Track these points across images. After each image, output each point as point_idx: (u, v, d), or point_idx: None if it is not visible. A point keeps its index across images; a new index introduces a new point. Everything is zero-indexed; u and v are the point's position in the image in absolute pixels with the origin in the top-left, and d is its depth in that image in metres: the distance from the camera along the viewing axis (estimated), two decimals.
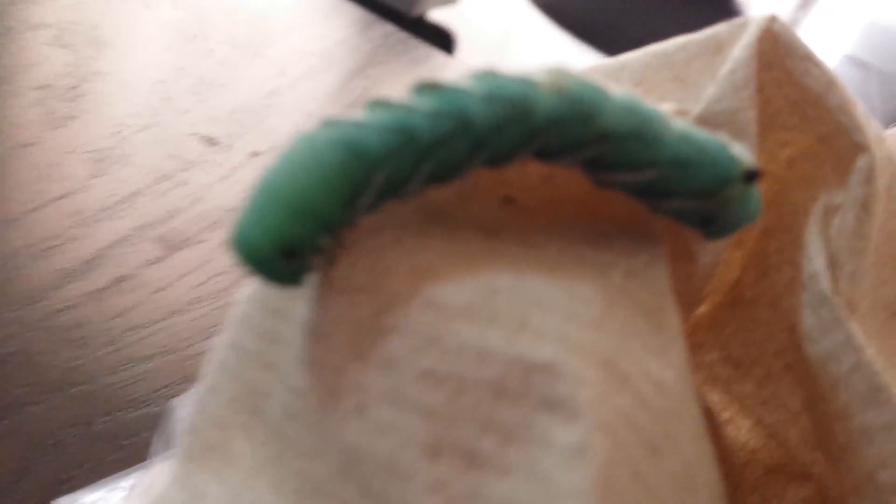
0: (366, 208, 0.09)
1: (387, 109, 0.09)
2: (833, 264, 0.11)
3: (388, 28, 0.34)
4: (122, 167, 0.23)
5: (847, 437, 0.11)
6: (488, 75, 0.09)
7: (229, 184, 0.24)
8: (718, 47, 0.12)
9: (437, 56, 0.34)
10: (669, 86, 0.12)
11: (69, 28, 0.29)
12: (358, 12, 0.35)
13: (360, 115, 0.09)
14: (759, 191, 0.10)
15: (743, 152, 0.09)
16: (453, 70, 0.33)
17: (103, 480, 0.14)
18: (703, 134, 0.09)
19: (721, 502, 0.11)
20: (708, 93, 0.11)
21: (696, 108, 0.11)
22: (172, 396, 0.17)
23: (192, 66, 0.29)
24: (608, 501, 0.08)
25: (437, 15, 0.52)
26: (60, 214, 0.21)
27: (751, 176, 0.09)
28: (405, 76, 0.32)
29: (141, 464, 0.14)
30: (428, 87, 0.09)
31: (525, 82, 0.09)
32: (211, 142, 0.26)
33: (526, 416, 0.08)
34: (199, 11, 0.32)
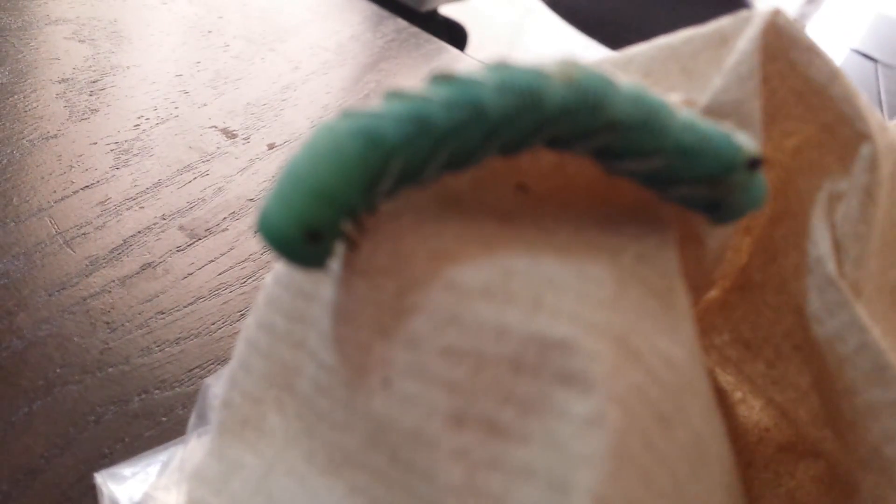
0: (385, 194, 0.09)
1: (403, 99, 0.09)
2: (838, 249, 0.12)
3: (400, 23, 0.35)
4: (145, 158, 0.24)
5: (854, 414, 0.12)
6: (501, 66, 0.09)
7: (248, 175, 0.25)
8: (724, 40, 0.12)
9: (448, 51, 0.34)
10: (677, 77, 0.12)
11: (88, 23, 0.30)
12: (370, 8, 0.36)
13: (377, 105, 0.09)
14: (765, 178, 0.11)
15: (747, 141, 0.10)
16: (464, 64, 0.34)
17: (141, 454, 0.15)
18: (707, 123, 0.10)
19: (731, 474, 0.11)
20: (714, 84, 0.11)
21: (703, 98, 0.12)
22: (203, 376, 0.17)
23: (209, 61, 0.30)
24: (621, 467, 0.09)
25: (447, 10, 0.52)
26: (87, 204, 0.22)
27: (754, 163, 0.10)
28: (417, 70, 0.33)
29: (176, 439, 0.15)
30: (443, 78, 0.09)
31: (537, 73, 0.09)
32: (229, 134, 0.26)
33: (543, 389, 0.09)
34: (215, 6, 0.33)
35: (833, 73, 0.12)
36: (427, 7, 0.48)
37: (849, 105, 0.12)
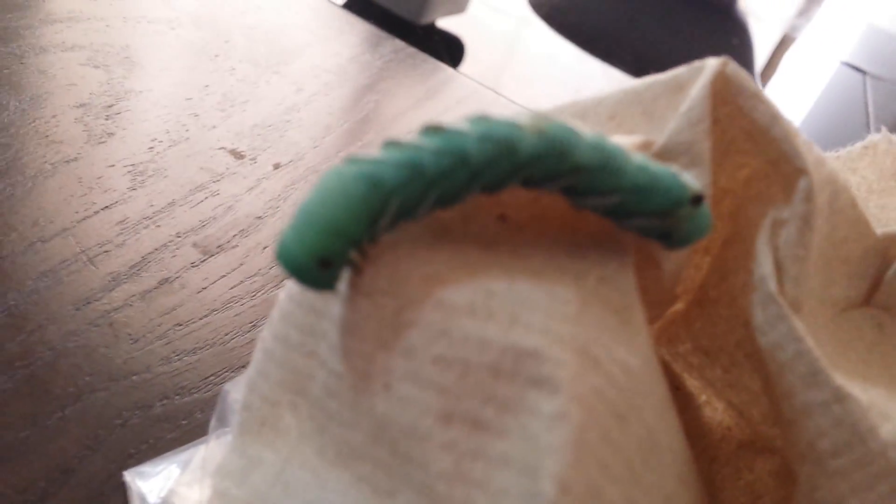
0: (384, 228, 0.11)
1: (399, 148, 0.11)
2: (779, 269, 0.14)
3: (397, 44, 0.37)
4: (159, 179, 0.26)
5: (792, 413, 0.13)
6: (482, 119, 0.11)
7: (256, 193, 0.26)
8: (680, 86, 0.14)
9: (444, 70, 0.36)
10: (639, 119, 0.14)
11: (101, 49, 0.32)
12: (369, 28, 0.38)
13: (377, 152, 0.11)
14: (710, 210, 0.13)
15: (692, 180, 0.12)
16: (457, 82, 0.35)
17: (165, 454, 0.16)
18: (657, 165, 0.11)
19: (685, 465, 0.13)
20: (670, 127, 0.13)
21: (661, 139, 0.13)
22: (219, 383, 0.19)
23: (217, 84, 0.31)
24: (582, 456, 0.10)
25: (445, 22, 0.54)
26: (107, 223, 0.24)
27: (697, 199, 0.11)
28: (415, 89, 0.35)
29: (196, 440, 0.17)
30: (433, 129, 0.11)
31: (512, 125, 0.11)
32: (237, 155, 0.28)
33: (518, 391, 0.11)
34: (221, 32, 0.35)
35: (774, 117, 0.14)
36: (425, 20, 0.50)
37: (788, 144, 0.14)
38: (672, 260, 0.13)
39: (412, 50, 0.37)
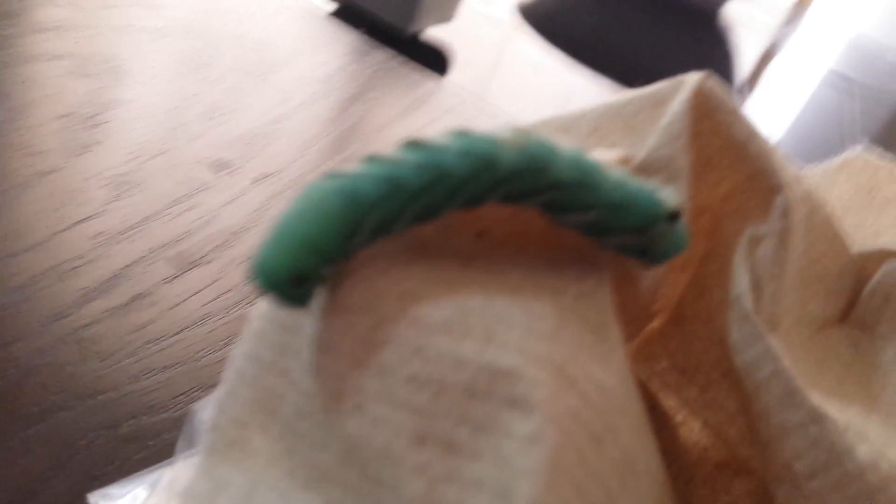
0: (362, 243, 0.11)
1: (379, 163, 0.11)
2: (756, 287, 0.14)
3: (384, 54, 0.37)
4: (138, 192, 0.25)
5: (769, 433, 0.13)
6: (463, 135, 0.11)
7: (236, 206, 0.26)
8: (661, 101, 0.14)
9: (430, 80, 0.36)
10: (620, 133, 0.14)
11: (89, 58, 0.31)
12: (357, 39, 0.38)
13: (357, 167, 0.11)
14: (688, 226, 0.13)
15: (669, 196, 0.12)
16: (444, 92, 0.35)
17: (131, 476, 0.16)
18: (635, 182, 0.11)
19: (661, 486, 0.13)
20: (649, 142, 0.13)
21: (641, 153, 0.13)
22: (190, 402, 0.19)
23: (204, 94, 0.31)
24: (557, 479, 0.10)
25: (433, 31, 0.54)
26: (82, 237, 0.23)
27: (674, 216, 0.11)
28: (401, 99, 0.35)
29: (165, 461, 0.16)
30: (413, 144, 0.11)
31: (492, 141, 0.11)
32: (220, 166, 0.28)
33: (492, 412, 0.10)
34: (209, 40, 0.35)
35: (751, 133, 0.14)
36: (412, 30, 0.51)
37: (766, 160, 0.14)
38: (649, 277, 0.13)
39: (400, 59, 0.37)
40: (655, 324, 0.16)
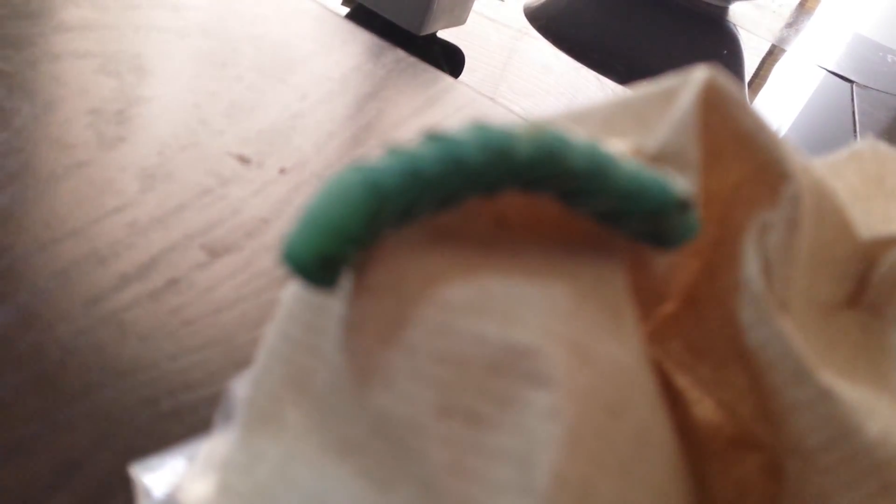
0: (385, 230, 0.12)
1: (399, 155, 0.11)
2: (766, 270, 0.14)
3: (398, 53, 0.37)
4: (168, 183, 0.26)
5: (780, 411, 0.14)
6: (480, 127, 0.12)
7: (263, 197, 0.27)
8: (670, 94, 0.14)
9: (444, 79, 0.37)
10: (632, 126, 0.15)
11: (113, 57, 0.32)
12: (371, 39, 0.38)
13: (378, 159, 0.11)
14: (700, 214, 0.13)
15: (680, 185, 0.12)
16: (456, 91, 0.36)
17: (171, 448, 0.17)
18: (647, 171, 0.12)
19: (675, 460, 0.13)
20: (660, 133, 0.14)
21: (652, 144, 0.14)
22: (225, 380, 0.20)
23: (225, 91, 0.32)
24: (576, 450, 0.11)
25: (445, 34, 0.55)
26: (117, 225, 0.24)
27: (685, 204, 0.12)
28: (415, 98, 0.35)
29: (202, 435, 0.17)
30: (432, 137, 0.12)
31: (509, 133, 0.11)
32: (244, 160, 0.29)
33: (513, 387, 0.11)
34: (228, 40, 0.36)
35: (759, 125, 0.14)
36: (425, 32, 0.51)
37: (775, 150, 0.14)
38: (663, 262, 0.14)
39: (413, 59, 0.37)
40: (670, 308, 0.16)
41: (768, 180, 0.14)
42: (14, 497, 0.17)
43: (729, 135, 0.15)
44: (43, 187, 0.25)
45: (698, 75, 0.14)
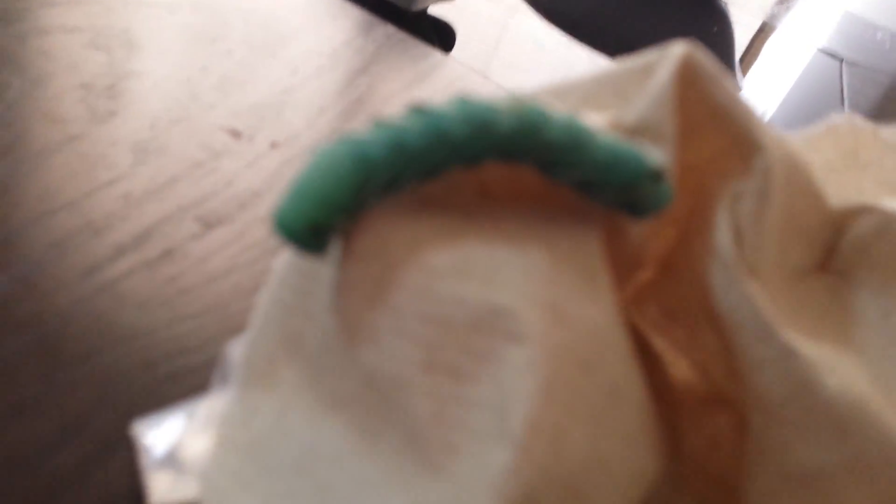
0: (371, 199, 0.12)
1: (385, 128, 0.12)
2: (738, 238, 0.15)
3: (389, 29, 0.37)
4: (161, 157, 0.27)
5: (747, 367, 0.15)
6: (463, 101, 0.12)
7: (254, 170, 0.27)
8: (649, 69, 0.15)
9: (434, 55, 0.37)
10: (612, 100, 0.15)
11: (102, 31, 0.32)
12: (362, 15, 0.38)
13: (365, 132, 0.12)
14: (677, 184, 0.14)
15: (653, 157, 0.13)
16: (447, 67, 0.36)
17: (171, 406, 0.18)
18: (622, 144, 0.13)
19: (645, 413, 0.14)
20: (638, 106, 0.14)
21: (630, 118, 0.15)
22: (220, 345, 0.20)
23: (215, 66, 0.32)
24: (549, 400, 0.12)
25: (436, 9, 0.54)
26: (111, 198, 0.25)
27: (658, 174, 0.12)
28: (405, 73, 0.35)
29: (199, 396, 0.18)
30: (417, 110, 0.12)
31: (490, 107, 0.12)
32: (235, 134, 0.29)
33: (492, 344, 0.12)
34: (218, 15, 0.35)
35: (733, 99, 0.15)
36: (417, 7, 0.51)
37: (748, 123, 0.15)
38: (638, 229, 0.14)
39: (403, 35, 0.37)
40: (647, 274, 0.17)
41: (741, 152, 0.15)
42: (19, 455, 0.17)
43: (705, 108, 0.15)
44: (35, 161, 0.25)
45: (676, 51, 0.15)
